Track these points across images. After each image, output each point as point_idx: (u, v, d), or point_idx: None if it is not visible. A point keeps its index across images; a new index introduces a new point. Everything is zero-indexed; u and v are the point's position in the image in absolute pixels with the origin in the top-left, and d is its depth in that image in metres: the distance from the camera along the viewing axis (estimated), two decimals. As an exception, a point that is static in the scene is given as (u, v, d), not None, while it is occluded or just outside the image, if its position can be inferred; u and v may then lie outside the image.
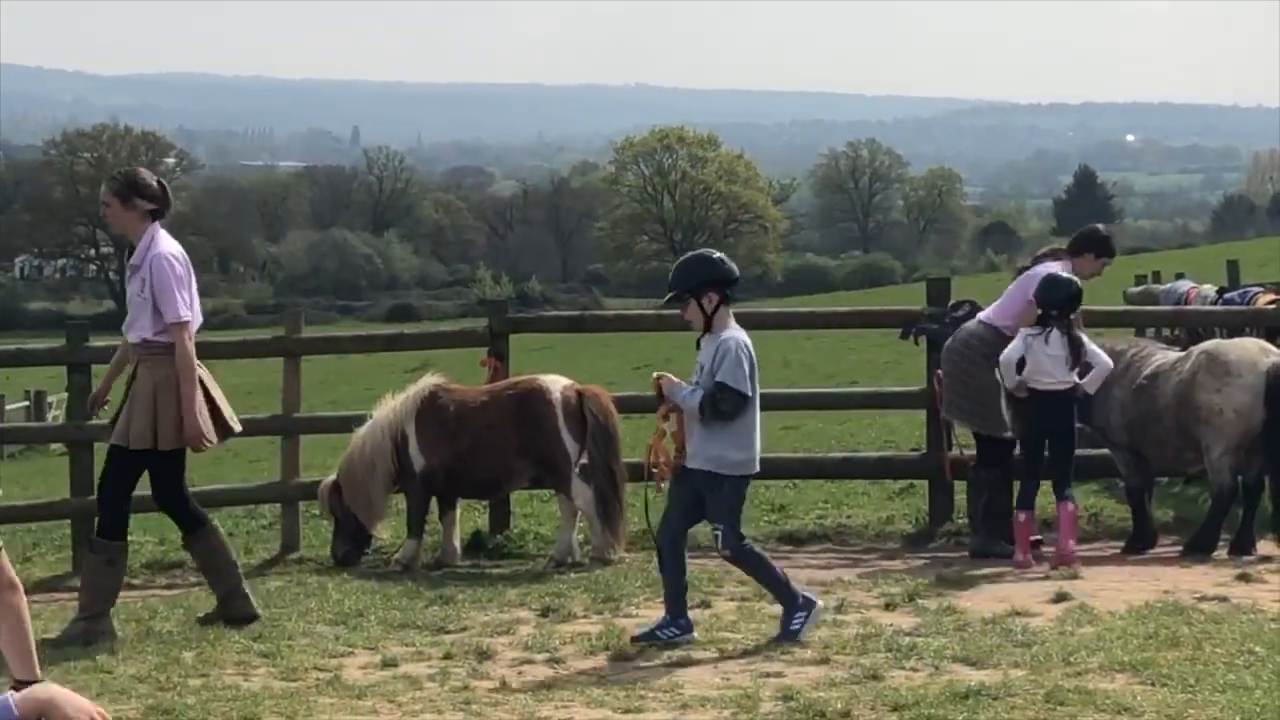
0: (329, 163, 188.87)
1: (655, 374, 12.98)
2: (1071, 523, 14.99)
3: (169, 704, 10.99)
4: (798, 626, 12.01)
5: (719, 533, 12.47)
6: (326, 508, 16.26)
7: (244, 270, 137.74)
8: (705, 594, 13.76)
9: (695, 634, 12.21)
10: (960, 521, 16.34)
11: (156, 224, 13.76)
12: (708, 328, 12.44)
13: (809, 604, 12.15)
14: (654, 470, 12.79)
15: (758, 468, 12.65)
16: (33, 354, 21.82)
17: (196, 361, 13.54)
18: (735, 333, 12.43)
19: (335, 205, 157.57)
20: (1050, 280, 15.21)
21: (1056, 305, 15.08)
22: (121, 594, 13.33)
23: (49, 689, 5.21)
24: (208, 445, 13.67)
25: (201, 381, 13.63)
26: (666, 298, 13.31)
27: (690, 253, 13.53)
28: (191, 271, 13.85)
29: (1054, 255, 16.17)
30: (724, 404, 12.13)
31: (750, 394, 12.25)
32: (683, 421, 12.50)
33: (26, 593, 15.44)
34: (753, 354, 12.41)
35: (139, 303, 13.62)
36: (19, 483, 26.01)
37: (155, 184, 13.92)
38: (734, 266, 12.88)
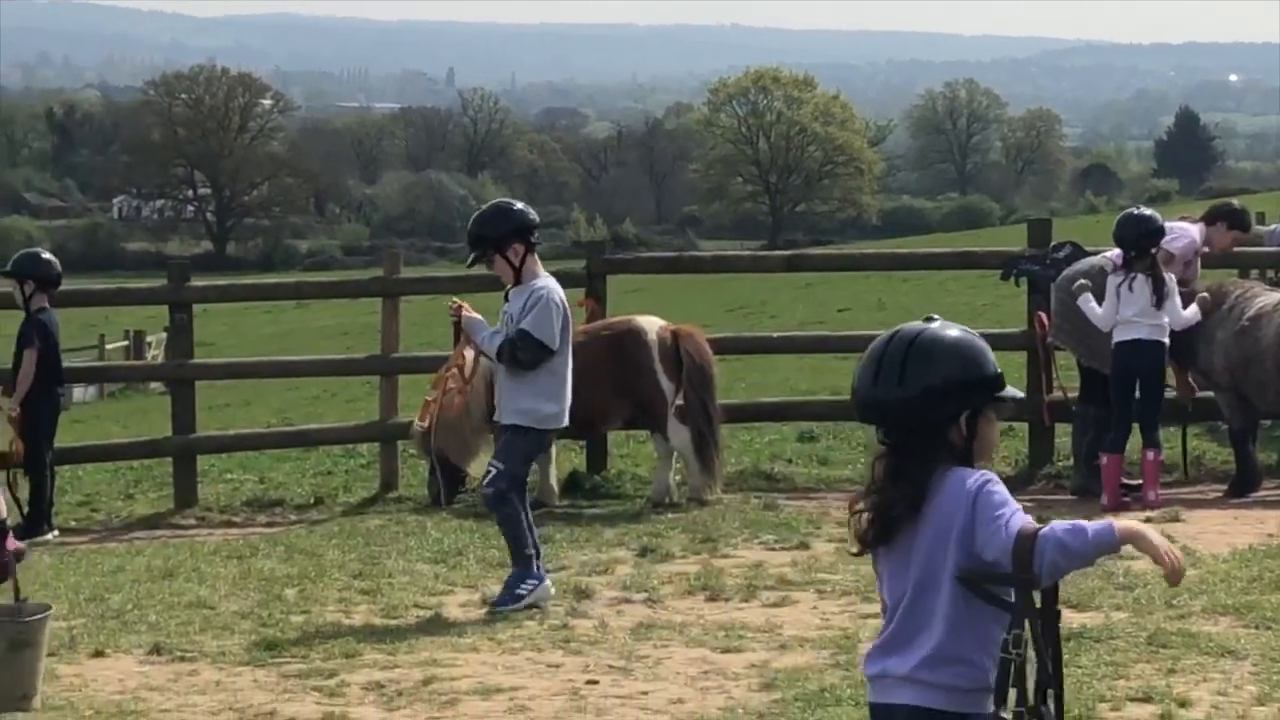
0: (424, 104, 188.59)
1: (452, 301, 12.83)
2: (1154, 472, 14.99)
3: (272, 639, 11.12)
4: (524, 593, 11.76)
5: (494, 470, 12.14)
6: (422, 448, 16.31)
7: (340, 212, 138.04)
8: (804, 535, 13.77)
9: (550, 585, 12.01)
10: (1060, 464, 16.29)
11: None
12: (517, 279, 12.14)
13: (541, 580, 11.90)
14: (429, 415, 12.66)
15: (566, 421, 12.50)
16: (133, 293, 22.05)
17: None
18: (548, 282, 12.22)
19: (430, 147, 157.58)
20: (1126, 217, 15.16)
21: (1134, 243, 15.00)
22: (223, 532, 13.41)
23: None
24: None
25: None
26: (469, 259, 12.84)
27: (485, 206, 13.14)
28: None
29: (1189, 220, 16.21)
30: (523, 352, 11.92)
31: (555, 346, 12.01)
32: (474, 370, 12.65)
33: (129, 529, 15.69)
34: (566, 307, 12.22)
35: None
36: (119, 421, 26.21)
37: None
38: (533, 213, 12.62)
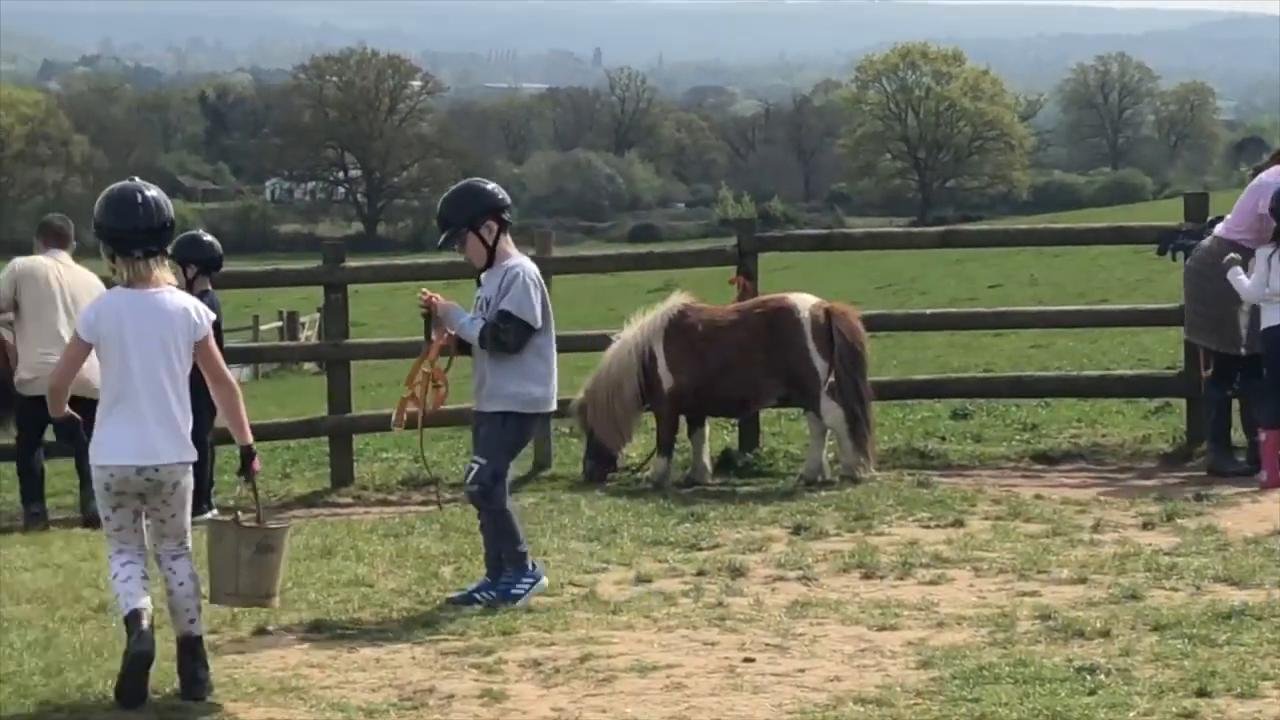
0: (571, 84, 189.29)
1: (422, 292, 12.27)
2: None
3: (430, 617, 11.24)
4: (521, 592, 11.52)
5: (476, 465, 11.81)
6: (579, 425, 16.40)
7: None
8: (959, 513, 13.73)
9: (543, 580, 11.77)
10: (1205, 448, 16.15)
11: None
12: (490, 260, 11.76)
13: (539, 578, 11.68)
14: (407, 412, 12.29)
15: (554, 405, 12.16)
16: (288, 274, 22.20)
17: None
18: (522, 260, 11.84)
19: (578, 126, 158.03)
20: None
21: None
22: (379, 510, 13.48)
23: None
24: None
25: None
26: (441, 238, 12.19)
27: (454, 186, 12.53)
28: None
29: (1276, 158, 15.96)
30: (506, 334, 11.49)
31: (538, 325, 11.61)
32: (450, 362, 11.98)
33: (285, 508, 15.83)
34: (543, 283, 11.84)
35: None
36: (275, 400, 26.44)
37: None
38: (503, 192, 12.12)
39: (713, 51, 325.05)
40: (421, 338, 12.28)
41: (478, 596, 11.54)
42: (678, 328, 15.80)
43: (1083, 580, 11.46)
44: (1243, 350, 15.38)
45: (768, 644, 10.35)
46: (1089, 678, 9.35)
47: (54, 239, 16.67)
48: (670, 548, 12.92)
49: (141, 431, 9.77)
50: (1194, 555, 11.99)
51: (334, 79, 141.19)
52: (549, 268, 17.98)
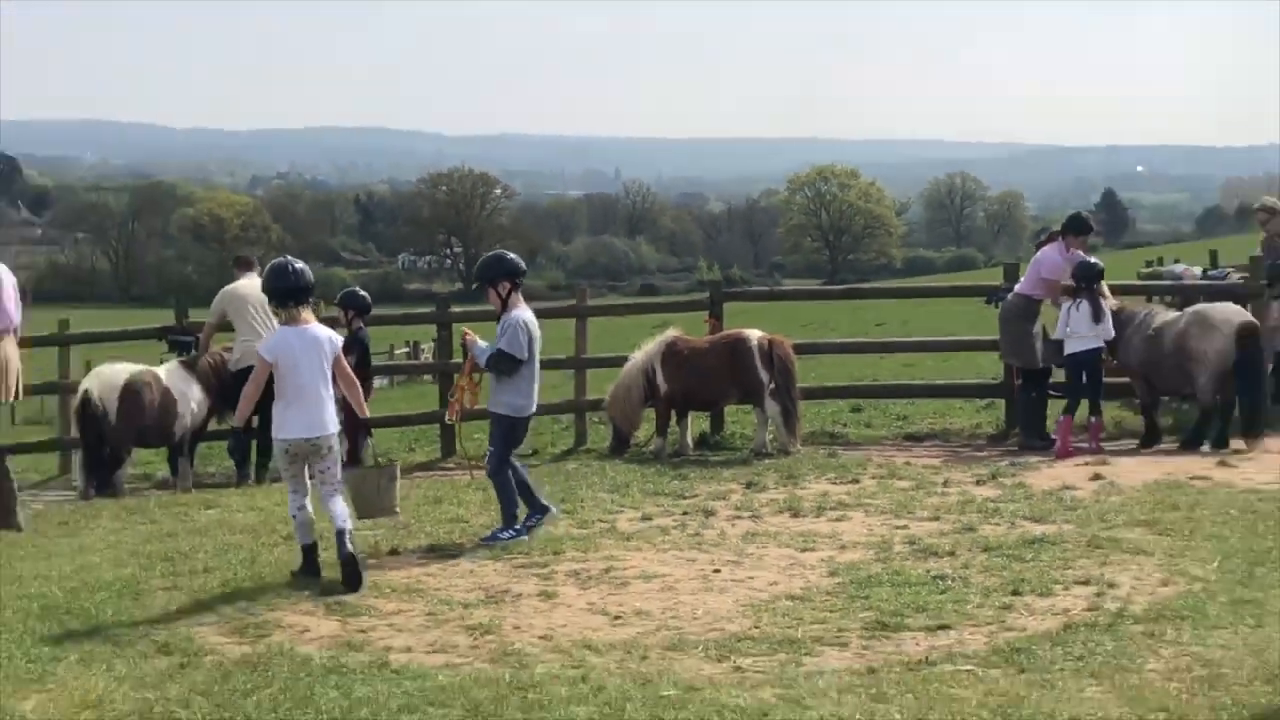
0: (601, 191, 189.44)
1: (464, 331, 12.44)
2: (1097, 433, 14.88)
3: (505, 544, 11.22)
4: (505, 538, 11.32)
5: (490, 451, 11.79)
6: (606, 416, 16.50)
7: (545, 262, 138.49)
8: (855, 474, 13.74)
9: (554, 513, 11.79)
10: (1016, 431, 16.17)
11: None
12: (502, 309, 11.65)
13: (520, 533, 11.39)
14: (454, 411, 12.45)
15: (533, 411, 11.99)
16: (414, 316, 22.45)
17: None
18: (522, 312, 11.62)
19: (605, 220, 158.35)
20: (1085, 265, 15.07)
21: (1086, 280, 14.93)
22: (479, 473, 13.29)
23: None
24: None
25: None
26: (474, 286, 12.55)
27: (489, 253, 12.48)
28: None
29: (1050, 238, 16.16)
30: (501, 364, 11.48)
31: (524, 358, 11.51)
32: (481, 378, 11.99)
33: (410, 471, 15.68)
34: (532, 329, 11.61)
35: None
36: (405, 401, 26.30)
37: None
38: (521, 261, 12.04)
39: (695, 170, 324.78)
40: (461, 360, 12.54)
41: (500, 535, 11.37)
42: (670, 351, 15.81)
43: (936, 518, 11.52)
44: (1040, 366, 15.50)
45: (729, 560, 10.39)
46: (940, 583, 9.40)
47: (244, 266, 16.93)
48: (665, 497, 12.92)
49: (308, 415, 10.24)
50: (1009, 502, 12.04)
51: (444, 188, 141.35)
52: (584, 312, 18.05)
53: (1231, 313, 14.95)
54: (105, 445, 15.45)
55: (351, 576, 9.93)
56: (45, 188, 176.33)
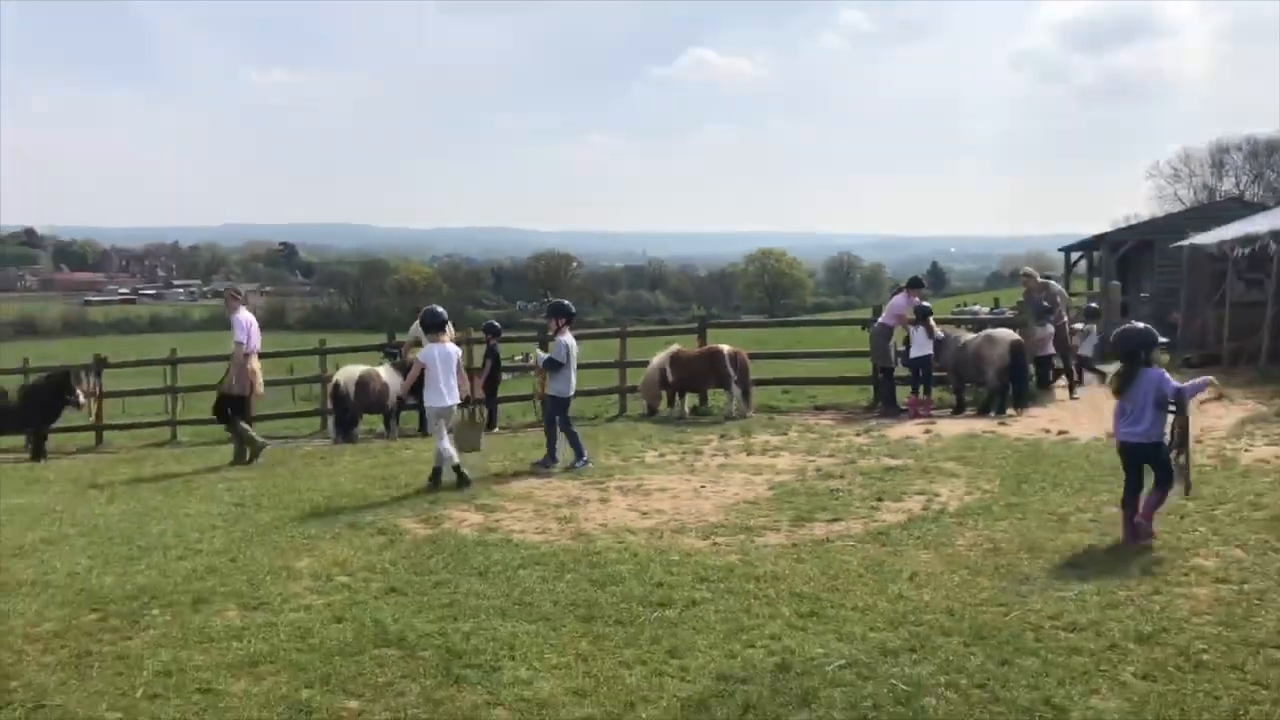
0: (633, 264, 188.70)
1: (537, 351, 12.42)
2: (928, 406, 14.78)
3: (577, 472, 11.06)
4: (545, 467, 11.09)
5: (549, 414, 11.56)
6: (640, 395, 16.29)
7: (600, 305, 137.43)
8: (785, 430, 13.56)
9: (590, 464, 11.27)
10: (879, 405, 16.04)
11: (241, 306, 13.09)
12: (556, 333, 11.55)
13: (553, 461, 11.17)
14: (539, 398, 12.59)
15: (573, 394, 11.58)
16: (525, 338, 21.84)
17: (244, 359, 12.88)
18: (565, 337, 11.46)
19: (636, 281, 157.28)
20: (920, 307, 15.09)
21: (921, 315, 14.98)
22: (533, 430, 13.24)
23: None
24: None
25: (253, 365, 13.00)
26: (545, 316, 12.37)
27: (557, 300, 12.35)
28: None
29: (899, 290, 16.13)
30: (552, 366, 11.40)
31: (565, 362, 11.35)
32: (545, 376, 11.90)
33: (520, 430, 15.39)
34: (571, 347, 11.44)
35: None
36: (520, 386, 26.19)
37: (241, 292, 13.64)
38: (572, 307, 11.92)
39: (688, 249, 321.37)
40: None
41: (577, 465, 11.12)
42: (675, 357, 15.70)
43: (833, 455, 11.40)
44: (892, 366, 15.49)
45: (709, 481, 10.28)
46: (835, 494, 9.34)
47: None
48: (672, 443, 12.78)
49: (447, 392, 10.61)
50: (876, 446, 11.94)
51: (543, 262, 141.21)
52: (625, 334, 17.92)
53: (1007, 333, 14.95)
54: (347, 413, 15.51)
55: (461, 482, 10.25)
56: (311, 262, 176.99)
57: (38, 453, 15.37)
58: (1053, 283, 16.86)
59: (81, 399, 15.66)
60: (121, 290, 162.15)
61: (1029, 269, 17.62)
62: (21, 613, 6.66)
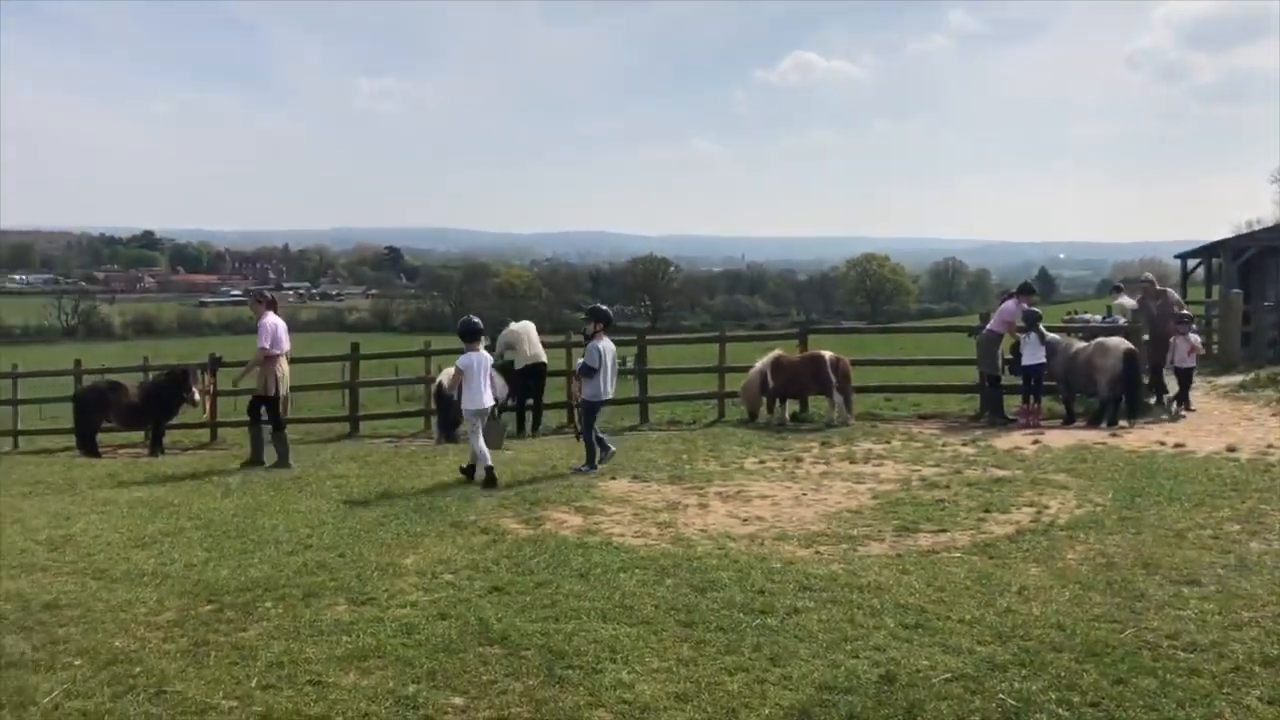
0: (732, 268, 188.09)
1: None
2: (1039, 413, 14.46)
3: (677, 475, 11.04)
4: (584, 470, 11.31)
5: (581, 420, 12.12)
6: (741, 400, 16.22)
7: (699, 310, 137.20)
8: (888, 438, 13.40)
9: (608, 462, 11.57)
10: (986, 415, 15.71)
11: (269, 311, 13.13)
12: (591, 337, 11.76)
13: (593, 469, 11.36)
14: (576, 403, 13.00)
15: (607, 397, 11.85)
16: (624, 341, 22.02)
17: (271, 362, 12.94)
18: (599, 341, 11.70)
19: (735, 285, 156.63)
20: (1031, 313, 14.78)
21: (1032, 322, 14.63)
22: (660, 433, 13.28)
23: None
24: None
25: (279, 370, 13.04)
26: (583, 321, 12.52)
27: (595, 306, 12.47)
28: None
29: (1009, 296, 15.74)
30: (585, 372, 11.68)
31: (597, 367, 11.57)
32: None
33: (618, 433, 15.39)
34: (602, 350, 11.66)
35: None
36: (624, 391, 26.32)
37: (269, 296, 13.73)
38: (609, 312, 12.19)
39: (788, 255, 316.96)
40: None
41: (581, 469, 11.41)
42: (776, 363, 15.61)
43: (938, 465, 11.22)
44: (999, 374, 15.15)
45: (810, 488, 10.22)
46: (941, 504, 9.20)
47: (519, 316, 16.79)
48: (772, 449, 12.74)
49: (480, 396, 11.21)
50: (983, 456, 11.72)
51: (640, 266, 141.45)
52: (724, 339, 17.85)
53: (1120, 342, 14.55)
54: (449, 413, 15.74)
55: (488, 481, 10.62)
56: (415, 266, 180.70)
57: (156, 447, 15.98)
58: (1171, 290, 16.38)
59: (196, 396, 16.24)
60: (234, 292, 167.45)
61: (1149, 275, 17.26)
62: (143, 601, 6.93)
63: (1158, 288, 16.06)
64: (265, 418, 13.29)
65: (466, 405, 11.33)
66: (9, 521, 9.69)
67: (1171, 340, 15.25)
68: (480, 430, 11.12)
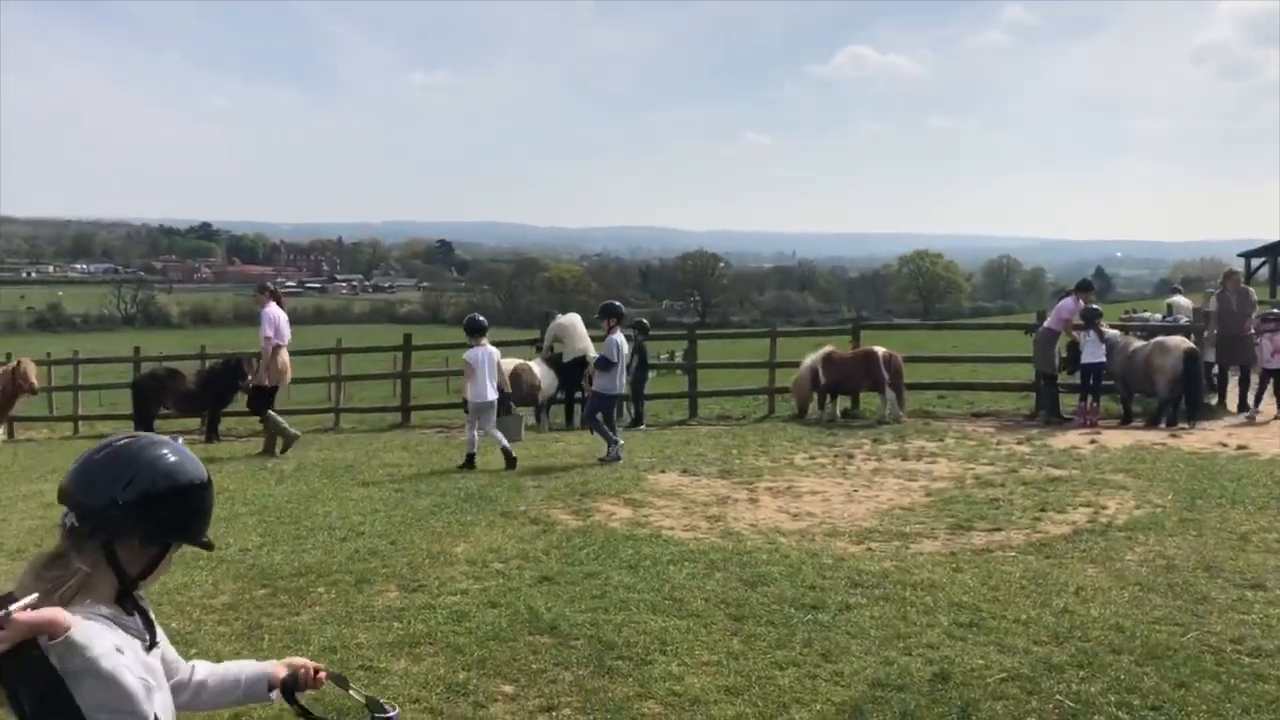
0: (782, 264, 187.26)
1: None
2: (1096, 412, 14.21)
3: (726, 469, 11.00)
4: (611, 457, 11.48)
5: (589, 410, 12.39)
6: (792, 396, 16.12)
7: (748, 306, 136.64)
8: (941, 436, 13.25)
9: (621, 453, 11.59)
10: (1041, 413, 15.48)
11: (271, 301, 13.18)
12: (608, 332, 12.09)
13: (615, 457, 11.48)
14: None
15: (619, 392, 12.17)
16: (672, 335, 21.77)
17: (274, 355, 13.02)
18: (616, 336, 12.03)
19: (785, 281, 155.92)
20: (1090, 310, 14.54)
21: (1091, 319, 14.38)
22: (709, 427, 13.23)
23: None
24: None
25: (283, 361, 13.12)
26: (596, 317, 12.70)
27: (609, 302, 12.81)
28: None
29: (1067, 293, 15.47)
30: (602, 365, 11.98)
31: (615, 360, 11.89)
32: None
33: (666, 427, 15.33)
34: (620, 345, 12.00)
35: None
36: (666, 384, 26.26)
37: (271, 287, 13.71)
38: (621, 308, 12.45)
39: (839, 250, 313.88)
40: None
41: (608, 457, 11.57)
42: (828, 359, 15.51)
43: (993, 463, 11.08)
44: (1057, 372, 14.91)
45: (863, 485, 10.16)
46: (995, 503, 9.08)
47: (570, 309, 16.81)
48: (823, 446, 12.67)
49: (485, 389, 11.68)
50: (1038, 455, 11.56)
51: (690, 262, 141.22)
52: (775, 335, 17.77)
53: (1180, 341, 14.24)
54: (503, 403, 15.83)
55: (510, 463, 11.15)
56: (466, 259, 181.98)
57: (211, 434, 16.23)
58: (1252, 290, 16.01)
59: (250, 384, 16.48)
60: (288, 283, 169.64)
61: (1235, 269, 17.04)
62: (199, 584, 7.03)
63: (1242, 284, 15.64)
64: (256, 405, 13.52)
65: (471, 399, 11.80)
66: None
67: (1258, 340, 14.75)
68: (475, 422, 11.67)
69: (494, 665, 5.47)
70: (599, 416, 11.99)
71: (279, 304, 13.41)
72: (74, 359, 20.69)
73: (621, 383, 12.12)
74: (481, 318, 12.28)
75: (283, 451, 13.13)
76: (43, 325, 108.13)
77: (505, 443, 11.42)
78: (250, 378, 16.44)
